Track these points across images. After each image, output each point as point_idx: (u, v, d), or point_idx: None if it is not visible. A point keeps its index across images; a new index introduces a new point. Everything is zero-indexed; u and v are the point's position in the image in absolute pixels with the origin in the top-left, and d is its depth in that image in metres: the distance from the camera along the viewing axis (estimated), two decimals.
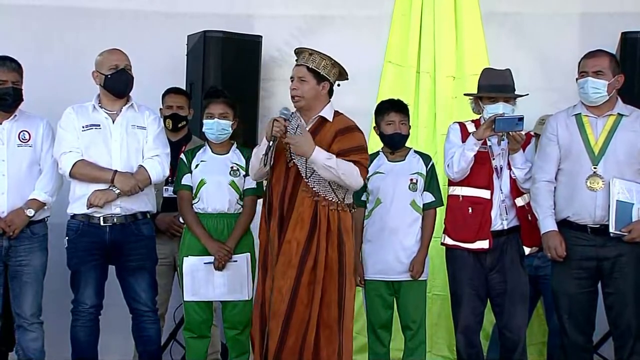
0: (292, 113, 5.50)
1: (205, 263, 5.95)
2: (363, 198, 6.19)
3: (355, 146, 5.43)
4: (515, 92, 5.82)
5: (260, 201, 5.82)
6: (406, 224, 6.11)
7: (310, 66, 5.44)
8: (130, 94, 5.93)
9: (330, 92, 5.52)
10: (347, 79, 5.59)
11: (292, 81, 5.48)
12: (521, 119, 5.63)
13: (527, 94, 5.90)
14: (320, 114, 5.46)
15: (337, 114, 5.52)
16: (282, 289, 5.30)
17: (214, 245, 5.91)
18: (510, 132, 5.65)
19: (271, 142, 5.33)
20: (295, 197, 5.36)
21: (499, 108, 5.71)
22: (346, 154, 5.37)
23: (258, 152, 5.43)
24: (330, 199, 5.38)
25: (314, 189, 5.37)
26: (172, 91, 6.71)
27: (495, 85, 5.78)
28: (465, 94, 6.10)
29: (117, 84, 5.83)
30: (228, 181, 6.00)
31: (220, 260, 5.90)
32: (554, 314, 6.11)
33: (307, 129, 5.43)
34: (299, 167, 5.39)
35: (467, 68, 7.13)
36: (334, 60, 5.49)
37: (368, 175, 6.15)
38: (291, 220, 5.34)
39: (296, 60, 5.54)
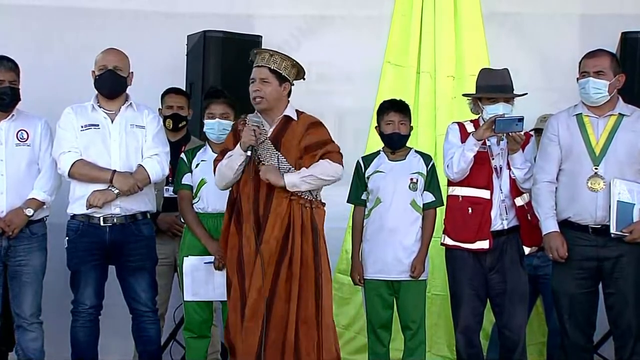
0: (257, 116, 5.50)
1: (205, 263, 5.94)
2: (363, 197, 6.19)
3: (322, 140, 5.47)
4: (514, 92, 5.82)
5: None
6: (406, 224, 6.10)
7: (272, 67, 5.45)
8: (131, 94, 5.93)
9: (289, 93, 5.54)
10: (305, 78, 5.60)
11: (252, 82, 5.46)
12: (521, 119, 5.62)
13: (526, 94, 5.89)
14: (285, 114, 5.49)
15: (300, 112, 5.55)
16: (262, 289, 5.31)
17: (214, 245, 5.90)
18: (511, 133, 5.64)
19: (249, 152, 5.35)
20: (272, 198, 5.39)
21: (499, 108, 5.70)
22: (313, 149, 5.42)
23: (230, 163, 5.42)
24: (306, 197, 5.43)
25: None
26: (172, 91, 6.72)
27: (495, 86, 5.77)
28: (464, 95, 6.09)
29: (103, 84, 5.83)
30: None
31: (220, 260, 5.88)
32: (553, 313, 6.10)
33: (272, 129, 5.46)
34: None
35: (467, 68, 7.12)
36: (294, 61, 5.51)
37: (368, 174, 6.17)
38: (269, 221, 5.36)
39: (251, 61, 5.52)
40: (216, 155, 6.00)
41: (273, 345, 5.29)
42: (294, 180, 5.36)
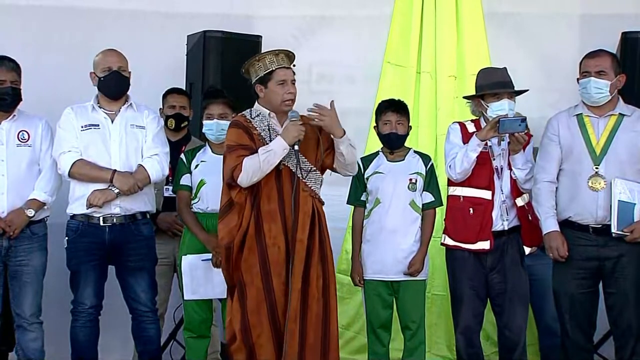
0: (259, 114, 5.46)
1: (203, 260, 5.94)
2: (362, 198, 6.19)
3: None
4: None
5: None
6: (405, 224, 6.10)
7: (293, 69, 5.46)
8: (131, 94, 5.93)
9: None
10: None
11: (282, 84, 5.39)
12: (524, 119, 5.61)
13: (528, 90, 5.89)
14: None
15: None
16: (300, 289, 5.27)
17: (212, 239, 5.84)
18: (515, 134, 5.63)
19: (297, 146, 5.31)
20: (298, 197, 5.33)
21: (504, 105, 5.69)
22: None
23: (270, 158, 5.27)
24: (319, 195, 5.43)
25: (312, 187, 5.37)
26: (174, 91, 6.71)
27: (497, 82, 5.76)
28: (464, 97, 6.08)
29: (108, 86, 5.83)
30: None
31: (217, 255, 5.85)
32: (544, 314, 6.12)
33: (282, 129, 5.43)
34: (291, 168, 5.34)
35: (468, 68, 7.10)
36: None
37: (367, 175, 6.17)
38: (299, 220, 5.31)
39: (257, 60, 5.47)
40: (216, 155, 5.96)
41: (313, 345, 5.26)
42: (346, 138, 5.36)
